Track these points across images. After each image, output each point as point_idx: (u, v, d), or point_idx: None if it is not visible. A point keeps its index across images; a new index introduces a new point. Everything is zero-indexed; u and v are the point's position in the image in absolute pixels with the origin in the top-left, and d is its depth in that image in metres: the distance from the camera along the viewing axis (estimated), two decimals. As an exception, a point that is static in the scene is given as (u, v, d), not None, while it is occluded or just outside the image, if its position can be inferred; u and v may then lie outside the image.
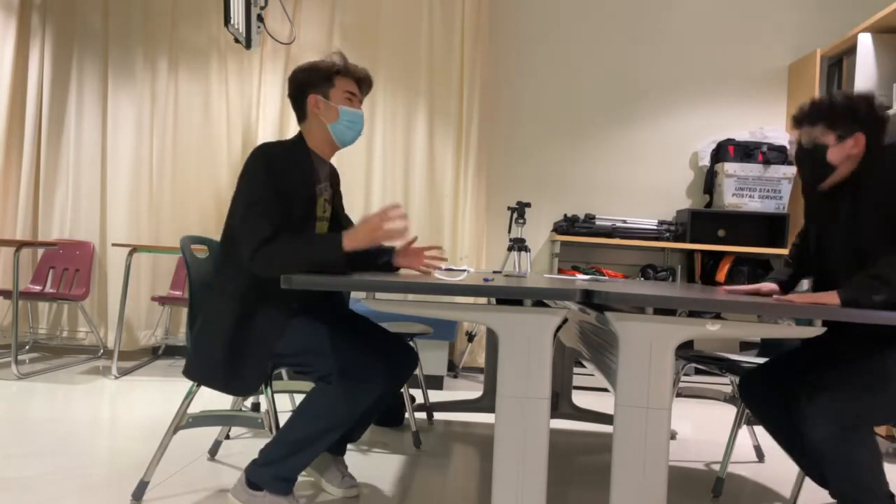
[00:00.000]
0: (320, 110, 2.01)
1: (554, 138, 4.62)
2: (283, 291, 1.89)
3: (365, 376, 1.84)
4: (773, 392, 2.04)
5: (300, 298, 1.96)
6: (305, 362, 1.89)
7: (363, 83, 2.07)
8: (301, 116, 2.05)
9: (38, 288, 4.47)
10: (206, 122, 4.57)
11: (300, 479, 2.26)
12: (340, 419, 1.84)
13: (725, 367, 2.51)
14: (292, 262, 1.79)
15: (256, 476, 1.86)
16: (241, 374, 1.89)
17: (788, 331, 1.54)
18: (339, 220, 2.17)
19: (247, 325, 1.88)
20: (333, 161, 2.20)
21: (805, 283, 3.05)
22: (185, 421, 2.05)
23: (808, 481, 2.36)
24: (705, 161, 4.41)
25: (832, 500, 2.37)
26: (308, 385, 2.62)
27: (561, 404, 3.26)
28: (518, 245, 4.07)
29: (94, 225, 4.59)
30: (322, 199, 2.06)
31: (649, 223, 4.32)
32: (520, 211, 4.08)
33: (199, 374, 1.92)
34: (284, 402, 3.31)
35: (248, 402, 3.04)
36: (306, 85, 2.01)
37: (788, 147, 4.20)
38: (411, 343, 2.68)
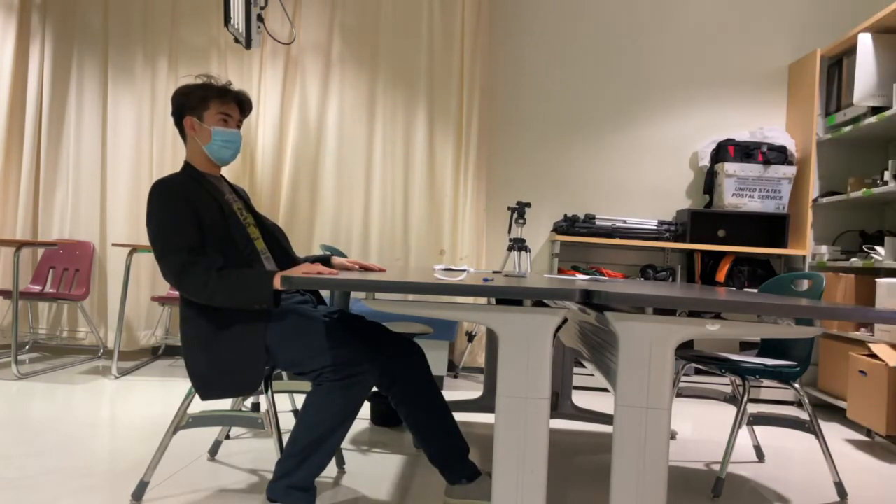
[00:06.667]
0: (196, 132, 2.08)
1: (554, 138, 4.62)
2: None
3: (352, 369, 1.86)
4: None
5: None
6: (297, 359, 1.90)
7: (242, 105, 2.13)
8: (183, 137, 2.13)
9: (38, 288, 4.47)
10: (206, 122, 4.57)
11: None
12: (340, 416, 1.85)
13: (725, 367, 2.51)
14: (222, 299, 1.84)
15: (272, 492, 1.87)
16: (241, 376, 1.91)
17: (788, 331, 1.54)
18: (266, 225, 2.20)
19: (224, 328, 1.91)
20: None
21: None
22: (185, 421, 2.05)
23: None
24: (705, 161, 4.41)
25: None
26: (308, 385, 2.61)
27: (561, 404, 3.26)
28: (518, 245, 4.07)
29: (94, 225, 4.59)
30: (236, 207, 2.12)
31: (649, 223, 4.31)
32: (520, 211, 4.08)
33: (208, 392, 1.95)
34: (284, 402, 3.31)
35: (248, 402, 3.04)
36: (183, 107, 2.08)
37: (789, 147, 4.19)
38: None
